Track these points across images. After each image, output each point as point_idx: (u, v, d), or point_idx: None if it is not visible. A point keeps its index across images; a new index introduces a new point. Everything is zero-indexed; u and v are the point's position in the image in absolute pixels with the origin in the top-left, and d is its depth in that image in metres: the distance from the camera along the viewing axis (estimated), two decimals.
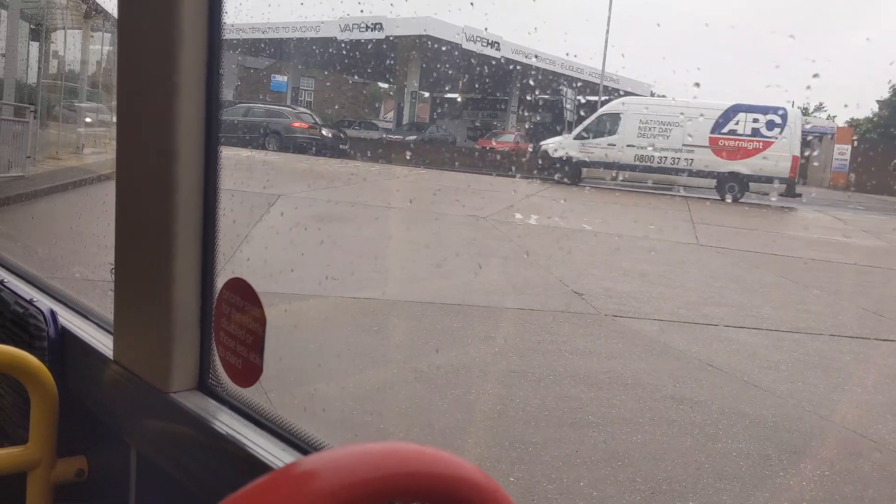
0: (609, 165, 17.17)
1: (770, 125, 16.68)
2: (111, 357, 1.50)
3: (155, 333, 1.36)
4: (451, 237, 10.43)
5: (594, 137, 17.71)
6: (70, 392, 1.62)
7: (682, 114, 16.83)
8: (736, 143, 16.76)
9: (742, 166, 16.89)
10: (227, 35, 1.31)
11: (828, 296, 8.79)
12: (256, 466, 1.15)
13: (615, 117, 17.60)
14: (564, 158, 17.31)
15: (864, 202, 23.05)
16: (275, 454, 1.16)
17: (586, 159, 17.41)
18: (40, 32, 16.10)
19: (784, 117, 16.50)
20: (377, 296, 6.80)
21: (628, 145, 17.25)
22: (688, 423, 4.47)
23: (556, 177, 17.33)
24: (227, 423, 1.25)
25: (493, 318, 6.58)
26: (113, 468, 1.54)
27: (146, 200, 1.36)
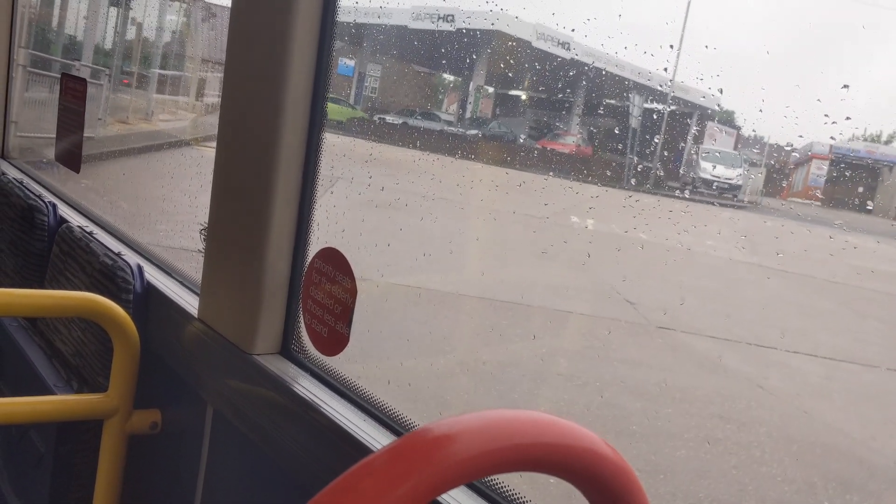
0: None
1: None
2: (195, 315, 1.54)
3: (243, 295, 1.39)
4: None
5: None
6: (151, 346, 1.66)
7: None
8: None
9: None
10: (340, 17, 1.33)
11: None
12: (335, 434, 1.16)
13: None
14: None
15: None
16: (355, 423, 1.17)
17: None
18: None
19: None
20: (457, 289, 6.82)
21: None
22: (733, 442, 4.40)
23: None
24: (308, 389, 1.27)
25: (542, 318, 6.55)
26: (187, 423, 1.58)
27: (247, 172, 1.39)
